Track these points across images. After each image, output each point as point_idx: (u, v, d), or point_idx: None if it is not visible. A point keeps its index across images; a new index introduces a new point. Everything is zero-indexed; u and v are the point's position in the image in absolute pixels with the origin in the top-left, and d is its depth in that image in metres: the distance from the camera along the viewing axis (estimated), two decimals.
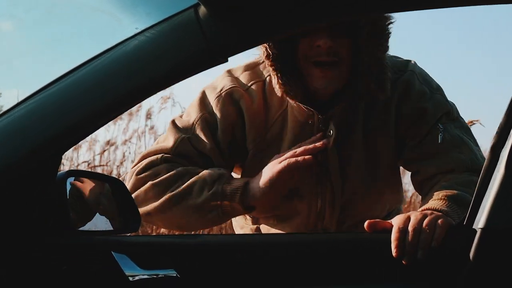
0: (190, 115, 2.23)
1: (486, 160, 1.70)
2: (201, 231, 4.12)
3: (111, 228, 1.72)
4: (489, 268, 1.66)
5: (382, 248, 1.69)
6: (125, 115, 6.41)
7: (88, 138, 6.17)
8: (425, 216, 1.76)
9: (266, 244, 1.70)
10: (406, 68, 2.20)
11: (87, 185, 1.69)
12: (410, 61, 2.25)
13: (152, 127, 6.59)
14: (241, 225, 2.43)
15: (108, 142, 6.59)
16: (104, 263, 1.54)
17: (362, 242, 1.74)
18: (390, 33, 2.12)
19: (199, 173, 2.11)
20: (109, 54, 1.51)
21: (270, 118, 2.21)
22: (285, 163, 2.04)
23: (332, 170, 2.17)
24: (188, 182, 2.10)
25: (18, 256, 1.49)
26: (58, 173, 1.54)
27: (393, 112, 2.17)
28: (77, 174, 1.69)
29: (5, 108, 1.52)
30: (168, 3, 1.57)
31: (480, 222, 1.65)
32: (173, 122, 2.24)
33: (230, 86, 2.21)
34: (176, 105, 6.52)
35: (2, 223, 1.48)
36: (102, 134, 7.02)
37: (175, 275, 1.56)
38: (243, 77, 2.24)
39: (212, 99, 2.22)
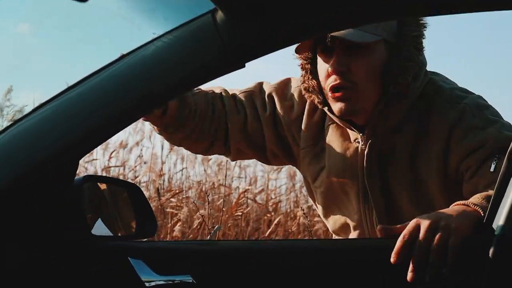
0: (273, 83, 2.32)
1: (503, 165, 1.69)
2: (216, 236, 4.13)
3: (128, 233, 1.72)
4: (507, 275, 1.65)
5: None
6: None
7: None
8: (436, 225, 1.70)
9: (282, 250, 1.70)
10: (461, 101, 2.14)
11: (104, 191, 1.70)
12: (470, 95, 2.18)
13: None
14: None
15: (120, 144, 6.62)
16: (121, 269, 1.54)
17: (379, 248, 1.73)
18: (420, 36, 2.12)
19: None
20: (126, 59, 1.51)
21: (324, 126, 2.24)
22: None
23: (371, 191, 2.16)
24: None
25: (35, 260, 1.50)
26: (75, 178, 1.55)
27: (443, 143, 2.11)
28: (94, 179, 1.70)
29: (20, 110, 1.52)
30: (185, 8, 1.57)
31: (496, 230, 1.64)
32: (260, 82, 2.35)
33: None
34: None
35: (21, 228, 1.49)
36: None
37: (191, 280, 1.56)
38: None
39: (294, 85, 2.28)
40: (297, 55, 2.19)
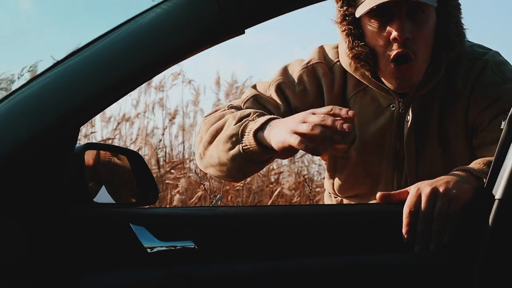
0: (272, 78, 2.24)
1: (503, 131, 1.69)
2: (219, 203, 4.13)
3: (129, 201, 1.73)
4: (507, 239, 1.65)
5: (397, 219, 1.69)
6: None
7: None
8: (436, 193, 1.70)
9: (284, 215, 1.70)
10: (482, 57, 2.15)
11: (105, 158, 1.70)
12: (490, 51, 2.19)
13: (161, 99, 6.60)
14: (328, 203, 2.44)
15: (123, 117, 6.62)
16: (123, 235, 1.55)
17: (382, 213, 1.74)
18: None
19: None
20: (125, 27, 1.50)
21: (347, 95, 2.20)
22: (307, 128, 1.79)
23: (408, 156, 2.16)
24: (226, 117, 2.05)
25: (37, 228, 1.50)
26: (76, 146, 1.55)
27: (465, 101, 2.13)
28: (95, 147, 1.70)
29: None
30: None
31: (497, 193, 1.65)
32: (253, 85, 2.26)
33: (317, 61, 2.21)
34: (185, 81, 6.54)
35: (21, 196, 1.49)
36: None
37: (192, 246, 1.57)
38: (331, 54, 2.23)
39: (297, 70, 2.22)
40: (337, 22, 2.11)
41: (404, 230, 1.68)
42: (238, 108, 2.16)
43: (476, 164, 1.87)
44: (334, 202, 2.40)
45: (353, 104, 2.18)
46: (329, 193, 2.39)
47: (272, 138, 1.88)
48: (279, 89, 2.20)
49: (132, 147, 6.32)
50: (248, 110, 2.03)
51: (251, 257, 1.62)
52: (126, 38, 1.50)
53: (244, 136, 1.95)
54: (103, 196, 1.66)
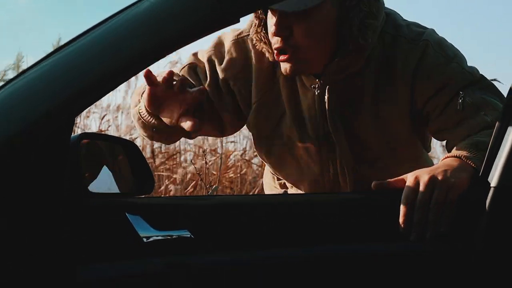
0: (207, 47, 2.25)
1: (499, 118, 1.69)
2: (215, 193, 4.14)
3: (125, 191, 1.73)
4: (504, 226, 1.66)
5: (391, 206, 1.69)
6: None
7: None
8: (435, 181, 1.71)
9: (279, 203, 1.71)
10: (421, 38, 2.12)
11: (100, 148, 1.70)
12: (426, 30, 2.17)
13: None
14: (270, 187, 2.44)
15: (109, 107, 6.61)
16: (119, 225, 1.55)
17: (373, 201, 1.74)
18: None
19: None
20: (120, 15, 1.50)
21: (276, 74, 2.18)
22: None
23: (337, 138, 2.15)
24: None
25: (32, 217, 1.50)
26: (72, 135, 1.55)
27: (408, 82, 2.10)
28: (90, 136, 1.70)
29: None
30: None
31: (493, 180, 1.65)
32: (195, 52, 2.27)
33: (248, 32, 2.20)
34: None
35: (17, 186, 1.49)
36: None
37: (188, 235, 1.57)
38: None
39: (228, 41, 2.23)
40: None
41: (401, 219, 1.68)
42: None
43: (464, 150, 1.86)
44: (278, 190, 2.42)
45: (283, 82, 2.18)
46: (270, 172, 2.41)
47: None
48: (209, 60, 2.22)
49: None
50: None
51: (248, 246, 1.62)
52: (121, 27, 1.50)
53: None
54: (98, 186, 1.66)
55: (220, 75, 2.20)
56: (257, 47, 2.15)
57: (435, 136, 2.20)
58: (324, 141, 2.17)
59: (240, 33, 2.22)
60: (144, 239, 1.54)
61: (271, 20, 2.02)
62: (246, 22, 2.25)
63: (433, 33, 2.16)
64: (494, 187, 1.65)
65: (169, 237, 1.56)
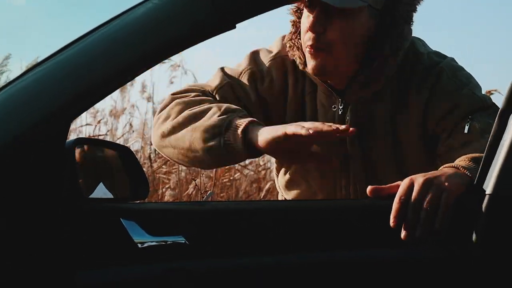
0: (240, 65, 2.25)
1: (494, 126, 1.70)
2: (210, 198, 4.13)
3: (120, 196, 1.73)
4: (498, 233, 1.66)
5: (389, 213, 1.69)
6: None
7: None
8: (430, 183, 1.71)
9: (274, 210, 1.70)
10: (438, 65, 2.16)
11: (96, 153, 1.70)
12: (446, 58, 2.20)
13: (149, 97, 6.59)
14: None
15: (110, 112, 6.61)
16: (113, 230, 1.54)
17: (370, 208, 1.74)
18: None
19: (219, 103, 2.09)
20: (117, 21, 1.51)
21: (304, 96, 2.21)
22: (294, 130, 1.87)
23: (353, 160, 2.17)
24: (207, 105, 2.08)
25: (26, 223, 1.50)
26: (67, 141, 1.55)
27: (421, 108, 2.13)
28: (86, 142, 1.70)
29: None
30: None
31: (488, 188, 1.65)
32: (221, 68, 2.26)
33: (285, 54, 2.22)
34: (188, 73, 6.54)
35: (11, 192, 1.48)
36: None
37: (183, 241, 1.57)
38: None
39: (265, 60, 2.24)
40: (291, 11, 2.17)
41: (392, 216, 1.68)
42: (212, 95, 2.19)
43: (462, 161, 1.88)
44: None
45: (307, 104, 2.20)
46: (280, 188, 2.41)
47: (261, 134, 1.92)
48: (252, 78, 2.22)
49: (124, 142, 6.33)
50: (234, 106, 2.06)
51: (243, 252, 1.62)
52: (117, 32, 1.50)
53: (229, 131, 1.98)
54: (93, 191, 1.66)
55: (261, 94, 2.22)
56: (289, 54, 2.17)
57: (441, 159, 2.14)
58: (340, 165, 2.18)
59: (277, 53, 2.24)
60: (139, 245, 1.54)
61: (307, 19, 2.06)
62: (276, 40, 2.28)
63: (450, 61, 2.19)
64: (489, 194, 1.65)
65: (163, 243, 1.56)
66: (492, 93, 3.99)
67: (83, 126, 6.35)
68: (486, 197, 1.65)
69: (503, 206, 1.66)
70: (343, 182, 2.20)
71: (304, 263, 1.64)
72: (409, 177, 1.74)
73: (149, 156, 5.89)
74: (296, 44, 2.14)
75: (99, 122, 6.46)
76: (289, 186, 2.32)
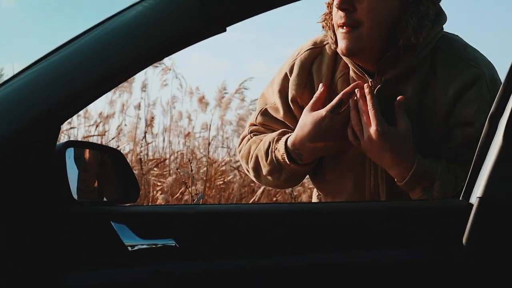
0: (273, 83, 2.36)
1: (484, 130, 1.70)
2: (201, 201, 4.14)
3: (111, 199, 1.72)
4: (488, 237, 1.66)
5: (379, 217, 1.70)
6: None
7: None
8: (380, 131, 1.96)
9: (264, 213, 1.70)
10: (477, 64, 2.15)
11: (86, 156, 1.70)
12: (485, 59, 2.20)
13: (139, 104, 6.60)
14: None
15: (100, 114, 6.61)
16: (104, 233, 1.54)
17: (362, 211, 1.74)
18: None
19: (261, 141, 2.29)
20: (107, 24, 1.50)
21: (335, 78, 2.25)
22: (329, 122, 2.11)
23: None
24: (254, 154, 2.29)
25: (17, 226, 1.50)
26: (57, 143, 1.54)
27: (449, 99, 2.13)
28: (76, 144, 1.69)
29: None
30: None
31: (478, 192, 1.66)
32: (262, 94, 2.40)
33: (306, 49, 2.29)
34: (178, 77, 6.55)
35: (2, 194, 1.48)
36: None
37: (173, 244, 1.57)
38: (322, 36, 2.29)
39: (288, 64, 2.31)
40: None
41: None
42: (256, 129, 2.38)
43: (437, 167, 2.03)
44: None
45: (340, 86, 2.23)
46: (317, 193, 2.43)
47: (301, 129, 2.16)
48: (280, 90, 2.32)
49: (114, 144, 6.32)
50: (264, 142, 2.27)
51: (234, 254, 1.62)
52: (107, 35, 1.50)
53: (282, 165, 2.22)
54: (83, 194, 1.66)
55: (290, 94, 2.29)
56: (323, 36, 2.25)
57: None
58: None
59: (297, 55, 2.30)
60: (129, 248, 1.54)
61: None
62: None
63: (491, 68, 2.18)
64: (479, 198, 1.66)
65: (154, 246, 1.56)
66: None
67: (73, 128, 6.36)
68: (476, 200, 1.65)
69: (493, 209, 1.66)
70: (372, 168, 2.21)
71: (298, 265, 1.64)
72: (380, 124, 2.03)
73: (140, 159, 5.88)
74: (328, 24, 2.18)
75: (93, 125, 6.45)
76: (327, 189, 2.33)
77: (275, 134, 2.25)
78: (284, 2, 1.75)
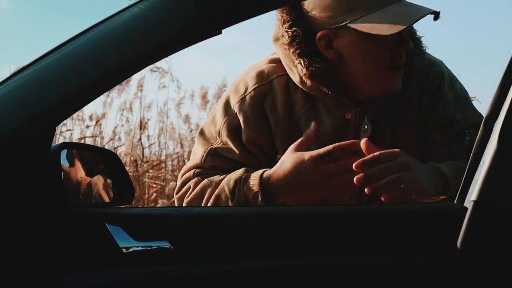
0: (216, 121, 2.21)
1: (479, 134, 1.70)
2: None
3: (105, 201, 1.72)
4: (482, 240, 1.66)
5: (374, 220, 1.70)
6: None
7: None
8: (406, 167, 1.84)
9: (259, 215, 1.70)
10: (437, 69, 2.18)
11: (81, 158, 1.70)
12: (440, 61, 2.22)
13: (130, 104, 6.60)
14: None
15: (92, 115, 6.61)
16: (98, 235, 1.54)
17: (354, 214, 1.74)
18: None
19: (220, 182, 2.11)
20: (102, 26, 1.50)
21: (296, 114, 2.16)
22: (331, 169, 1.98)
23: None
24: (213, 196, 2.12)
25: (11, 228, 1.50)
26: (52, 145, 1.54)
27: (420, 113, 2.14)
28: (71, 146, 1.69)
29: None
30: None
31: (472, 195, 1.66)
32: (201, 131, 2.23)
33: (253, 87, 2.17)
34: (174, 81, 6.55)
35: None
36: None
37: (168, 246, 1.56)
38: (267, 69, 2.18)
39: (234, 103, 2.18)
40: (284, 43, 2.09)
41: (362, 162, 1.86)
42: (203, 172, 2.20)
43: (448, 168, 1.92)
44: None
45: (305, 121, 2.15)
46: None
47: (283, 184, 2.03)
48: (230, 130, 2.18)
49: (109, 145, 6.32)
50: (229, 180, 2.10)
51: (229, 257, 1.62)
52: (102, 37, 1.49)
53: (253, 203, 2.06)
54: (78, 196, 1.66)
55: (244, 137, 2.17)
56: (308, 84, 2.08)
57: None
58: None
59: (244, 92, 2.18)
60: (124, 250, 1.54)
61: (392, 48, 2.03)
62: (245, 74, 2.21)
63: (444, 66, 2.21)
64: (473, 201, 1.66)
65: (148, 248, 1.55)
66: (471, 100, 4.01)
67: (68, 130, 6.36)
68: (471, 204, 1.66)
69: (488, 213, 1.66)
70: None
71: (295, 268, 1.64)
72: (399, 150, 1.88)
73: (135, 161, 5.88)
74: (323, 68, 2.05)
75: (91, 126, 6.46)
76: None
77: (238, 172, 2.11)
78: (278, 5, 1.75)
